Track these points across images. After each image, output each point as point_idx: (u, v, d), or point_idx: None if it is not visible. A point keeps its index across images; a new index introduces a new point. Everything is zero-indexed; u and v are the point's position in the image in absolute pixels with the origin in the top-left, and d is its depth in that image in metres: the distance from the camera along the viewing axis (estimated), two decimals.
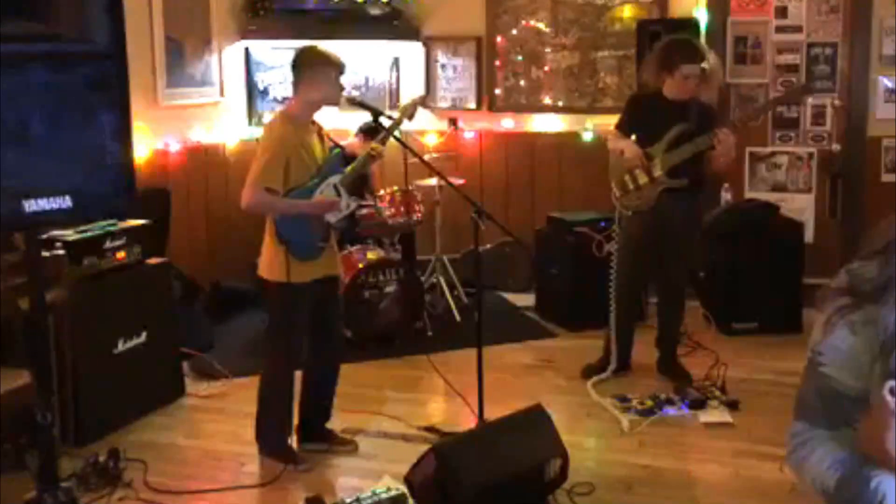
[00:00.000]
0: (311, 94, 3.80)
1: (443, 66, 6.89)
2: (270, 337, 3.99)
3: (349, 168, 3.96)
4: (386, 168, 6.56)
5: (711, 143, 4.47)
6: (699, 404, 4.45)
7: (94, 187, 2.88)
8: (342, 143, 4.28)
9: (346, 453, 4.05)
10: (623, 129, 4.79)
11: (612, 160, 4.79)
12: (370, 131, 5.81)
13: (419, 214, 5.79)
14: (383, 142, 4.03)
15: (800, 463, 1.79)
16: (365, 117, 4.64)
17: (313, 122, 3.91)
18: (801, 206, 6.25)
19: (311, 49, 3.82)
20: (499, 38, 6.77)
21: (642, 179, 4.65)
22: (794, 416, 1.85)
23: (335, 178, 3.88)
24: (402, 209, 5.69)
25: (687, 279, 5.05)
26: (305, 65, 3.78)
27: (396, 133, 4.09)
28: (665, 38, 4.89)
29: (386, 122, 4.01)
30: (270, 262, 3.81)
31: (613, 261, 4.85)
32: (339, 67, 3.80)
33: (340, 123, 6.17)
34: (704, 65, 4.53)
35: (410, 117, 4.15)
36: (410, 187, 5.77)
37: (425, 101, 6.48)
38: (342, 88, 3.87)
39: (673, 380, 4.75)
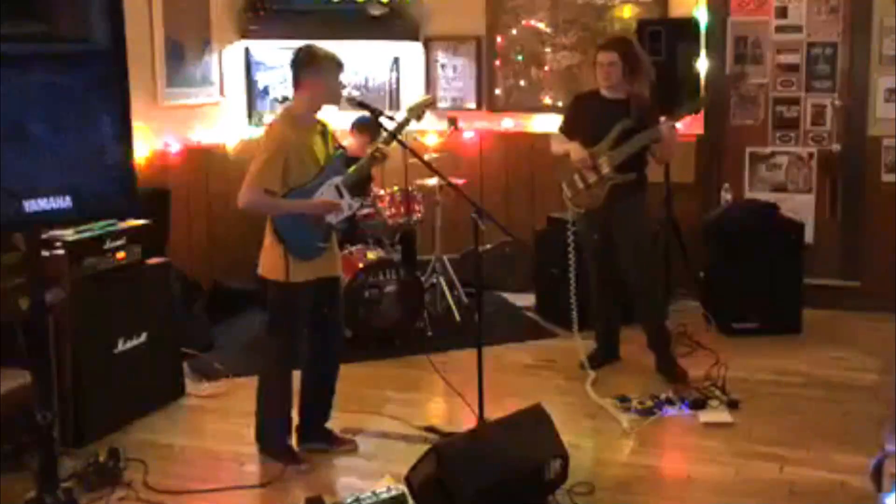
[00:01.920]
0: (314, 94, 3.80)
1: (443, 66, 6.89)
2: (269, 336, 3.99)
3: (352, 169, 3.96)
4: (386, 168, 6.56)
5: (656, 137, 4.62)
6: (699, 404, 4.45)
7: (94, 187, 2.88)
8: (343, 143, 4.29)
9: (346, 453, 4.06)
10: (566, 130, 4.92)
11: (566, 163, 4.87)
12: (363, 126, 5.82)
13: (419, 214, 5.79)
14: (387, 143, 4.01)
15: None
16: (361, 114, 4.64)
17: (317, 122, 3.91)
18: (801, 206, 6.25)
19: (312, 48, 3.83)
20: (499, 38, 6.77)
21: (591, 178, 4.77)
22: None
23: (338, 179, 3.88)
24: (402, 209, 5.69)
25: (654, 275, 5.04)
26: (307, 64, 3.78)
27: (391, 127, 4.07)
28: None
29: (386, 123, 4.01)
30: (270, 262, 3.81)
31: (570, 263, 4.94)
32: (340, 66, 3.82)
33: (341, 123, 6.16)
34: (610, 55, 4.68)
35: (419, 118, 4.14)
36: (410, 187, 5.77)
37: (434, 101, 6.49)
38: (343, 87, 3.88)
39: (671, 381, 4.75)
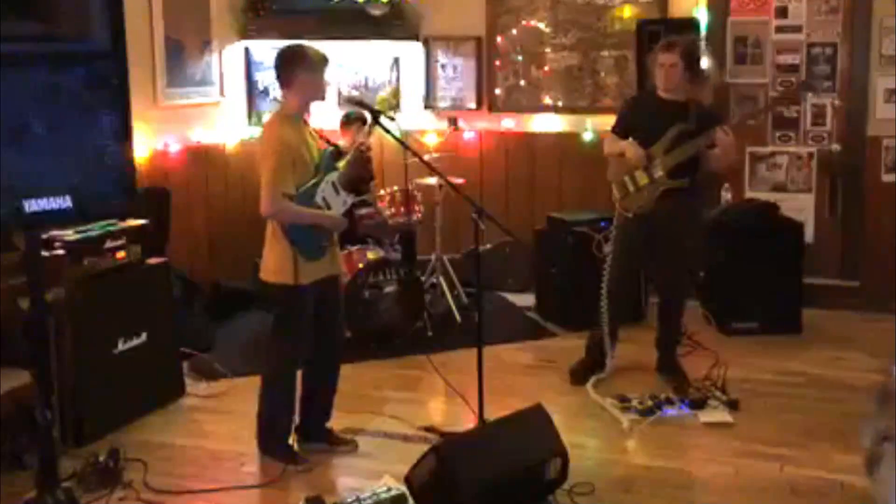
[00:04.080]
0: (306, 92, 3.81)
1: (443, 66, 6.88)
2: (276, 338, 3.97)
3: (342, 165, 3.97)
4: (386, 168, 6.57)
5: (711, 142, 4.49)
6: (699, 404, 4.45)
7: (94, 187, 2.88)
8: (340, 142, 4.31)
9: (346, 453, 4.06)
10: (618, 131, 4.77)
11: (611, 162, 4.77)
12: (349, 121, 5.83)
13: (419, 214, 5.79)
14: (368, 135, 4.07)
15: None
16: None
17: (305, 121, 3.94)
18: (801, 206, 6.25)
19: (299, 47, 3.83)
20: (499, 38, 6.77)
21: (643, 181, 4.64)
22: None
23: (332, 176, 3.90)
24: (402, 209, 5.69)
25: (686, 279, 5.05)
26: (297, 63, 3.77)
27: (394, 129, 4.09)
28: None
29: (386, 122, 4.02)
30: (277, 265, 3.79)
31: (607, 261, 4.83)
32: (326, 62, 3.84)
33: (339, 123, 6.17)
34: (674, 56, 4.53)
35: (388, 110, 4.15)
36: (410, 187, 5.77)
37: (398, 95, 6.49)
38: (328, 84, 3.92)
39: (672, 380, 4.75)
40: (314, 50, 3.82)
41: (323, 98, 3.94)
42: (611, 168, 4.80)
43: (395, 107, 4.14)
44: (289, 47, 3.85)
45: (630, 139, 4.66)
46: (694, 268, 5.26)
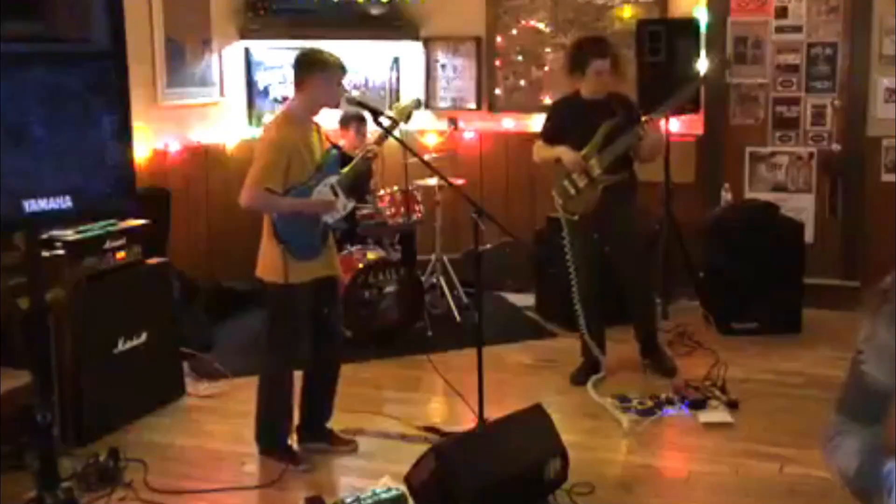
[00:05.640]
0: (316, 96, 3.81)
1: (443, 66, 6.89)
2: (269, 337, 3.99)
3: (346, 169, 3.98)
4: (386, 168, 6.56)
5: (640, 136, 4.59)
6: (699, 404, 4.45)
7: (94, 187, 2.88)
8: (340, 143, 4.31)
9: (346, 453, 4.06)
10: (548, 138, 4.81)
11: (555, 169, 4.80)
12: (348, 120, 5.82)
13: (419, 214, 5.79)
14: (379, 143, 4.10)
15: (831, 453, 1.82)
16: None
17: (313, 122, 3.93)
18: (801, 205, 6.25)
19: (317, 51, 3.85)
20: (499, 38, 6.77)
21: (582, 182, 4.70)
22: (834, 409, 1.87)
23: (332, 179, 3.90)
24: (402, 209, 5.69)
25: (646, 270, 5.06)
26: (312, 66, 3.79)
27: (395, 133, 4.10)
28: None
29: (386, 123, 4.02)
30: (269, 263, 3.82)
31: (569, 268, 4.86)
32: (344, 71, 3.84)
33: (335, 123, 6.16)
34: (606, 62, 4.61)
35: (407, 119, 4.18)
36: (410, 187, 5.77)
37: (421, 103, 6.49)
38: (343, 92, 3.90)
39: (658, 370, 4.79)
40: (333, 57, 3.83)
41: (333, 105, 3.94)
42: (554, 175, 4.83)
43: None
44: (308, 50, 3.88)
45: (564, 146, 4.69)
46: (696, 267, 5.26)
